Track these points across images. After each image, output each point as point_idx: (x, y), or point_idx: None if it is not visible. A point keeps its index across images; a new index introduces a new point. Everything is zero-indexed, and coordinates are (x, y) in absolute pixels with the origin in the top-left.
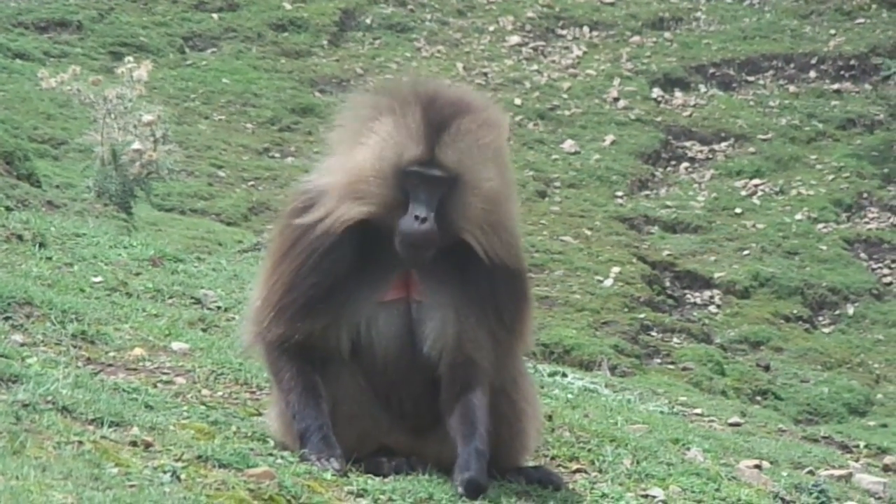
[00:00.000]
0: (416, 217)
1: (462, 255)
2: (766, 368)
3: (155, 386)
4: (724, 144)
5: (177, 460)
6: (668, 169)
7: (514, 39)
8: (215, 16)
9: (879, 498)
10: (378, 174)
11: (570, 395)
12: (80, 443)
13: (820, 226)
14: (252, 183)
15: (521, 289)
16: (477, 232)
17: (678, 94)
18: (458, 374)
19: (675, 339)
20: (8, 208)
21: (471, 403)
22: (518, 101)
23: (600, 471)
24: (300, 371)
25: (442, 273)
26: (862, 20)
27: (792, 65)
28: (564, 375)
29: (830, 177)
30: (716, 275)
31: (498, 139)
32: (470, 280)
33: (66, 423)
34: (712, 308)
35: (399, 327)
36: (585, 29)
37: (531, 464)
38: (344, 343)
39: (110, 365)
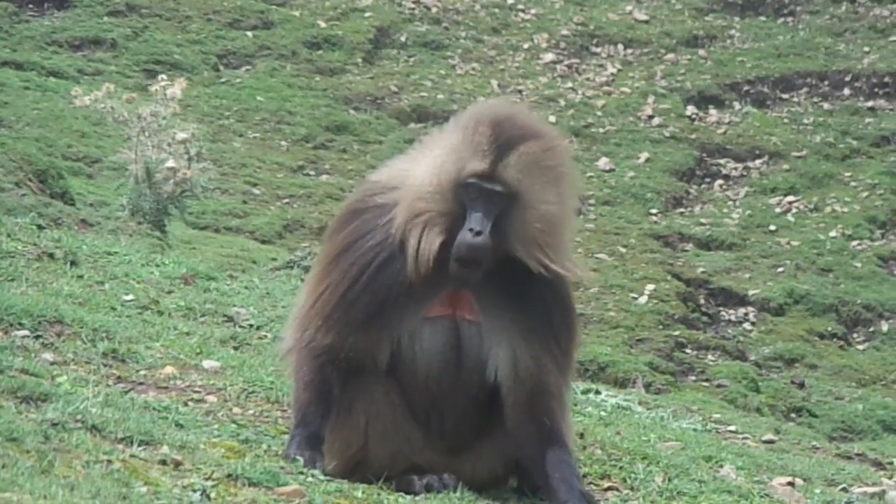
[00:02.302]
0: (471, 230)
1: (514, 277)
2: (801, 386)
3: (185, 404)
4: (758, 162)
5: (207, 479)
6: (703, 186)
7: (549, 57)
8: (249, 34)
9: None
10: (437, 186)
11: (603, 413)
12: (110, 462)
13: (854, 243)
14: (286, 200)
15: (572, 313)
16: (531, 250)
17: (712, 111)
18: (534, 401)
19: (709, 357)
20: (40, 226)
21: (556, 433)
22: (552, 119)
23: (632, 488)
24: (321, 374)
25: (496, 294)
26: (895, 38)
27: (826, 82)
28: (598, 393)
29: (865, 194)
30: (750, 292)
31: (561, 166)
32: (525, 303)
33: (95, 441)
34: (747, 325)
35: (443, 345)
36: (620, 46)
37: None
38: (382, 355)
39: (141, 383)
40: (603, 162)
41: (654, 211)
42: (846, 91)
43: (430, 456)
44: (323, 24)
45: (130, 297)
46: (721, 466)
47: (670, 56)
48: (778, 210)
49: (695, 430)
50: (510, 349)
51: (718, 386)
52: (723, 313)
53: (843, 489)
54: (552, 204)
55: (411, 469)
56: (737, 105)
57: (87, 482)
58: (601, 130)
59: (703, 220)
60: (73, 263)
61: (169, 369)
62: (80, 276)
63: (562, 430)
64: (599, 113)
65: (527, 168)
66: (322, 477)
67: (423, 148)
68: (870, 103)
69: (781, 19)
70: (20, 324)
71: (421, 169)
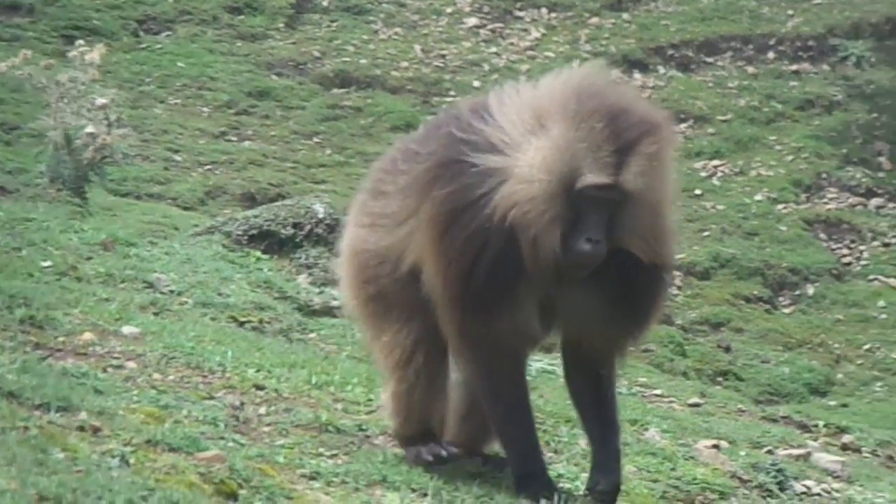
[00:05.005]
0: (589, 240)
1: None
2: (727, 349)
3: (105, 370)
4: (683, 126)
5: (125, 445)
6: None
7: (472, 21)
8: None
9: (837, 476)
10: (549, 187)
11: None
12: (26, 428)
13: (779, 206)
14: (209, 167)
15: (663, 289)
16: (639, 242)
17: (637, 75)
18: (593, 361)
19: None
20: None
21: (606, 401)
22: (477, 84)
23: (556, 451)
24: (521, 384)
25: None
26: (819, 1)
27: (750, 46)
28: None
29: (789, 157)
30: (676, 256)
31: (671, 154)
32: (613, 275)
33: (11, 408)
34: (672, 289)
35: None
36: (544, 10)
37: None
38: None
39: (59, 350)
40: None
41: None
42: (770, 55)
43: None
44: None
45: (48, 263)
46: (646, 429)
47: (594, 20)
48: (703, 174)
49: (620, 393)
50: (584, 313)
51: (644, 350)
52: None
53: (769, 451)
54: (660, 192)
55: (421, 435)
56: (661, 69)
57: (3, 448)
58: None
59: None
60: None
61: (88, 336)
62: None
63: (611, 388)
64: (524, 77)
65: (645, 169)
66: (242, 441)
67: (516, 132)
68: (794, 67)
69: None
70: None
71: (528, 158)
